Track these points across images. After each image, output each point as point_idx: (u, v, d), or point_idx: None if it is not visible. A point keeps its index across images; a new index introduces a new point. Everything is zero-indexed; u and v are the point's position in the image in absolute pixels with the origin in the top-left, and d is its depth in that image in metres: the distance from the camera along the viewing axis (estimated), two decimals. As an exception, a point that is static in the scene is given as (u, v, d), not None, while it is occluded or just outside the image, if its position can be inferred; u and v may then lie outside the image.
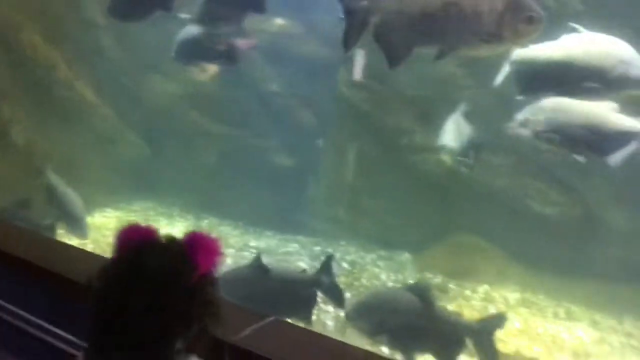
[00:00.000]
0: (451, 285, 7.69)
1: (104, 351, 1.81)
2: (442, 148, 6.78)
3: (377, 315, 5.48)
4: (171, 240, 1.89)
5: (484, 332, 5.32)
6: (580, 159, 5.81)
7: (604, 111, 5.27)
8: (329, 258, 5.72)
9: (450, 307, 7.01)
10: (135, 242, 1.86)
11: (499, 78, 5.54)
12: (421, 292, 5.51)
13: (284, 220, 9.30)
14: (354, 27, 3.88)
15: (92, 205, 8.86)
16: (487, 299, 7.46)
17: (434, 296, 5.70)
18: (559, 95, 4.53)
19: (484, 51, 3.73)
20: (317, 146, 9.35)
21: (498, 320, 5.63)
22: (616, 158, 5.38)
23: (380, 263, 8.39)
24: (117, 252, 1.88)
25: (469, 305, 7.20)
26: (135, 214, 9.45)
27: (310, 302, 5.45)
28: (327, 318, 6.08)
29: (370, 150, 8.89)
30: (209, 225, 9.40)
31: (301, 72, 9.21)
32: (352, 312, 5.55)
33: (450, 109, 8.27)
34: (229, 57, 7.60)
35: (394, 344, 5.33)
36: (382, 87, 8.79)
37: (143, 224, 1.96)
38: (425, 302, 5.37)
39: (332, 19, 8.96)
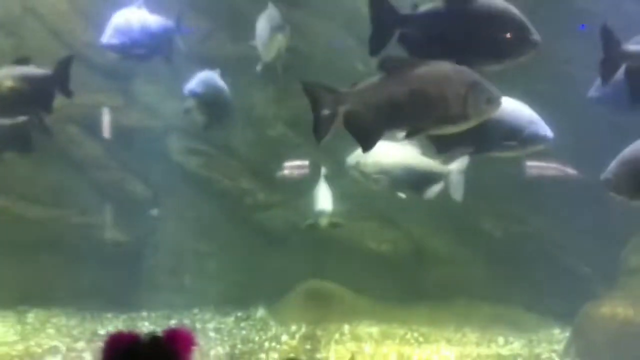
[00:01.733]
0: (318, 332, 8.12)
1: None
2: (321, 213, 7.22)
3: None
4: (154, 338, 2.12)
5: None
6: (402, 196, 6.78)
7: (417, 155, 6.24)
8: None
9: (332, 355, 7.49)
10: (122, 347, 2.10)
11: None
12: None
13: (124, 298, 8.85)
14: (324, 118, 4.14)
15: None
16: (355, 338, 8.04)
17: None
18: (477, 153, 5.16)
19: (449, 130, 4.29)
20: (151, 216, 9.08)
21: None
22: (430, 193, 6.40)
23: (243, 324, 8.48)
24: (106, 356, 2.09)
25: (345, 348, 7.70)
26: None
27: None
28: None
29: (212, 213, 8.98)
30: (35, 319, 8.53)
31: (128, 144, 8.90)
32: None
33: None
34: (22, 145, 6.93)
35: None
36: (217, 152, 8.98)
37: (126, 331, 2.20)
38: None
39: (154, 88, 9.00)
